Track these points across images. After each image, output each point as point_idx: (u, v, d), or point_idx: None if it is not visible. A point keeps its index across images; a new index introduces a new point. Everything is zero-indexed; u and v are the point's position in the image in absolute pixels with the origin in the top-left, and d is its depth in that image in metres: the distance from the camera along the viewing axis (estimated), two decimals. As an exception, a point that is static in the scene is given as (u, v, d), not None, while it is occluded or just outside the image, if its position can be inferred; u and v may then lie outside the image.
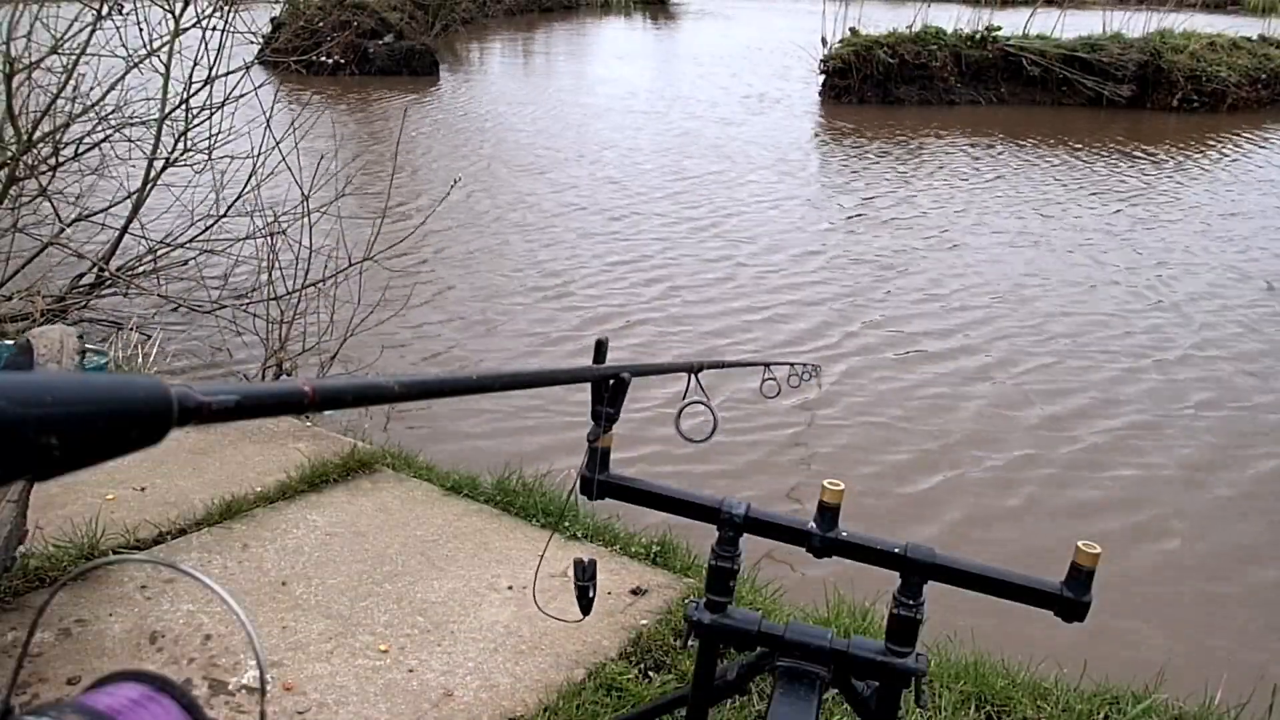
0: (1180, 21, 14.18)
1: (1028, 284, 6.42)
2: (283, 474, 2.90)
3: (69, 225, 4.90)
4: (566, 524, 2.74)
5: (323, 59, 7.83)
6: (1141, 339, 5.58)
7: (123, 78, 4.83)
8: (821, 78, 13.32)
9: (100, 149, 4.99)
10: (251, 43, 5.53)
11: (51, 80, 4.65)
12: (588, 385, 1.05)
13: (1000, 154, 10.32)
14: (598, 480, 1.07)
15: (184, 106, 4.90)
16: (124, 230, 5.02)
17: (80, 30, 4.55)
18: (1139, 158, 10.35)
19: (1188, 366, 5.23)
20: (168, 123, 4.92)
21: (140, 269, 5.09)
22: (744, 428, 4.36)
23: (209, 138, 4.95)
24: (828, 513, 1.03)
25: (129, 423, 0.36)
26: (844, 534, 1.03)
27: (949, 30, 13.43)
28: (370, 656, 2.15)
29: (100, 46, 4.62)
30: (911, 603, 0.99)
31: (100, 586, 2.29)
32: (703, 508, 1.06)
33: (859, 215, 7.93)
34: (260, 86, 5.02)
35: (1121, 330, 5.70)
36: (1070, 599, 0.98)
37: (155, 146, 4.93)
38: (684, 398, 1.23)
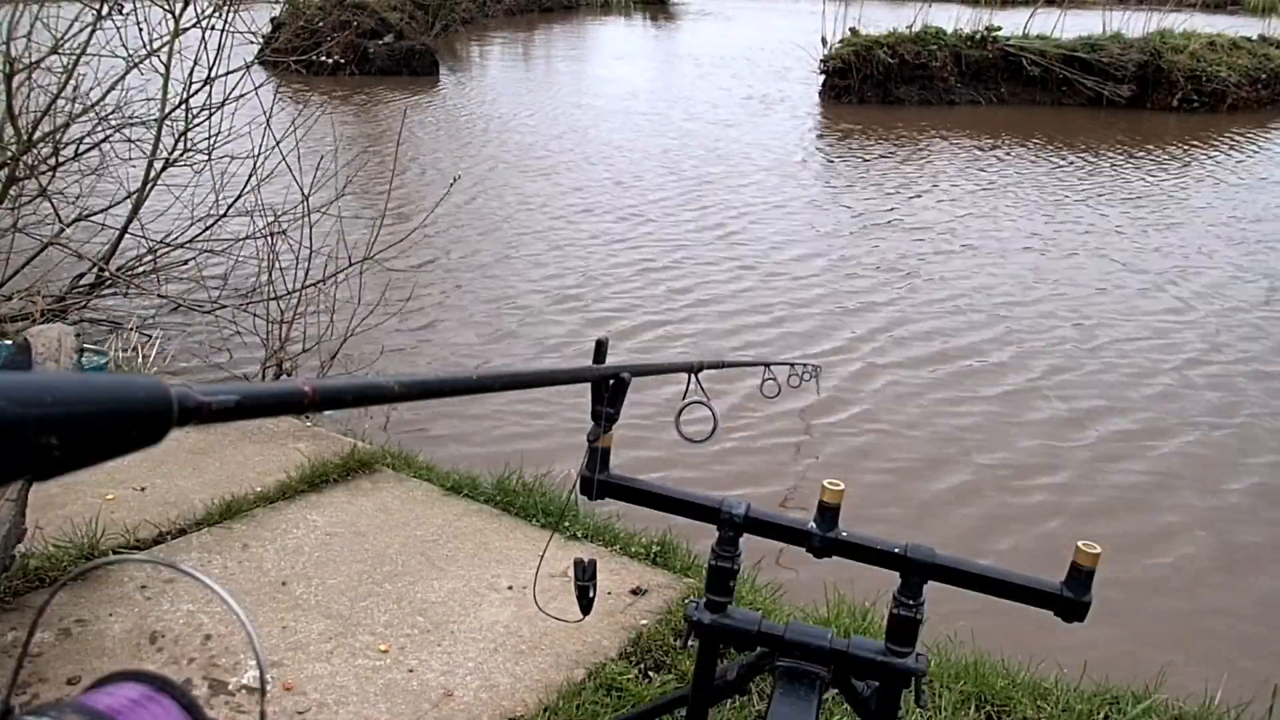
0: (1180, 21, 14.18)
1: (1039, 287, 6.36)
2: (283, 474, 2.91)
3: (69, 225, 4.90)
4: (566, 524, 2.74)
5: (323, 59, 7.84)
6: (1157, 342, 5.51)
7: (123, 78, 4.83)
8: (821, 78, 13.32)
9: (100, 149, 4.99)
10: (251, 43, 5.53)
11: (51, 80, 4.65)
12: (588, 385, 1.05)
13: (1004, 155, 10.30)
14: (598, 480, 1.07)
15: (184, 106, 4.90)
16: (124, 230, 5.02)
17: (80, 30, 4.55)
18: (1144, 158, 10.32)
19: (1199, 369, 5.22)
20: (168, 123, 4.92)
21: (140, 269, 5.09)
22: (747, 427, 4.36)
23: (209, 138, 4.95)
24: (828, 513, 1.03)
25: (129, 423, 0.36)
26: (844, 534, 1.03)
27: (949, 30, 13.43)
28: (370, 656, 2.15)
29: (100, 46, 4.62)
30: (911, 603, 0.99)
31: (100, 586, 2.29)
32: (703, 508, 1.06)
33: (864, 217, 7.92)
34: (260, 86, 5.02)
35: (1138, 334, 5.69)
36: (1070, 599, 0.98)
37: (155, 146, 4.93)
38: (684, 398, 1.23)
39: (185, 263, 5.24)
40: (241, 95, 4.93)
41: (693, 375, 1.30)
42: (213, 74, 4.86)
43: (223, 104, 4.95)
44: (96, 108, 4.80)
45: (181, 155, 4.93)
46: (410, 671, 2.11)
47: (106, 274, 4.89)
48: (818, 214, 7.94)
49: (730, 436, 4.25)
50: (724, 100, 12.97)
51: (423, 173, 8.81)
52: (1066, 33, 13.76)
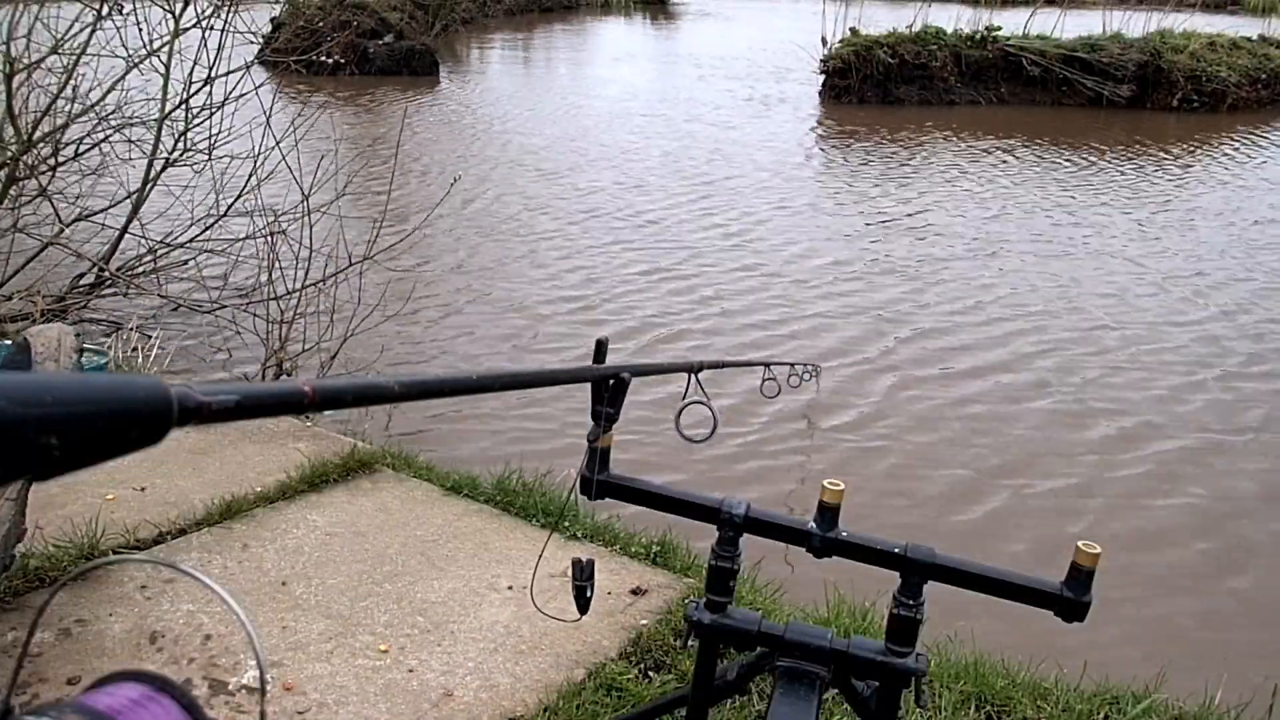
0: (1180, 21, 14.18)
1: (1055, 293, 6.29)
2: (283, 474, 2.91)
3: (69, 225, 4.90)
4: (566, 524, 2.74)
5: (323, 59, 7.83)
6: (1186, 352, 5.46)
7: (123, 78, 4.83)
8: (821, 78, 13.32)
9: (100, 149, 4.99)
10: (251, 43, 5.53)
11: (51, 80, 4.65)
12: (588, 385, 1.05)
13: (1008, 156, 10.26)
14: (597, 480, 1.07)
15: (184, 106, 4.90)
16: (124, 230, 5.02)
17: (80, 30, 4.55)
18: (1149, 159, 10.28)
19: (1206, 371, 5.21)
20: (168, 123, 4.92)
21: (140, 269, 5.09)
22: (747, 427, 4.36)
23: (209, 138, 4.95)
24: (828, 513, 1.03)
25: (129, 423, 0.36)
26: (844, 534, 1.03)
27: (949, 30, 13.43)
28: (370, 656, 2.15)
29: (100, 47, 4.62)
30: (911, 603, 0.99)
31: (100, 586, 2.29)
32: (703, 508, 1.06)
33: (869, 218, 7.92)
34: (260, 86, 5.02)
35: (1141, 334, 5.69)
36: (1070, 599, 0.98)
37: (155, 146, 4.93)
38: (684, 398, 1.23)
39: (185, 263, 5.24)
40: (241, 95, 4.93)
41: (692, 375, 1.30)
42: (213, 74, 4.86)
43: (223, 104, 4.95)
44: (96, 108, 4.80)
45: (181, 155, 4.93)
46: (410, 671, 2.11)
47: (106, 274, 4.89)
48: (823, 216, 7.94)
49: (731, 437, 4.25)
50: (725, 101, 12.96)
51: (425, 173, 8.81)
52: (1066, 33, 13.76)
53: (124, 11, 4.65)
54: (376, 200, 5.89)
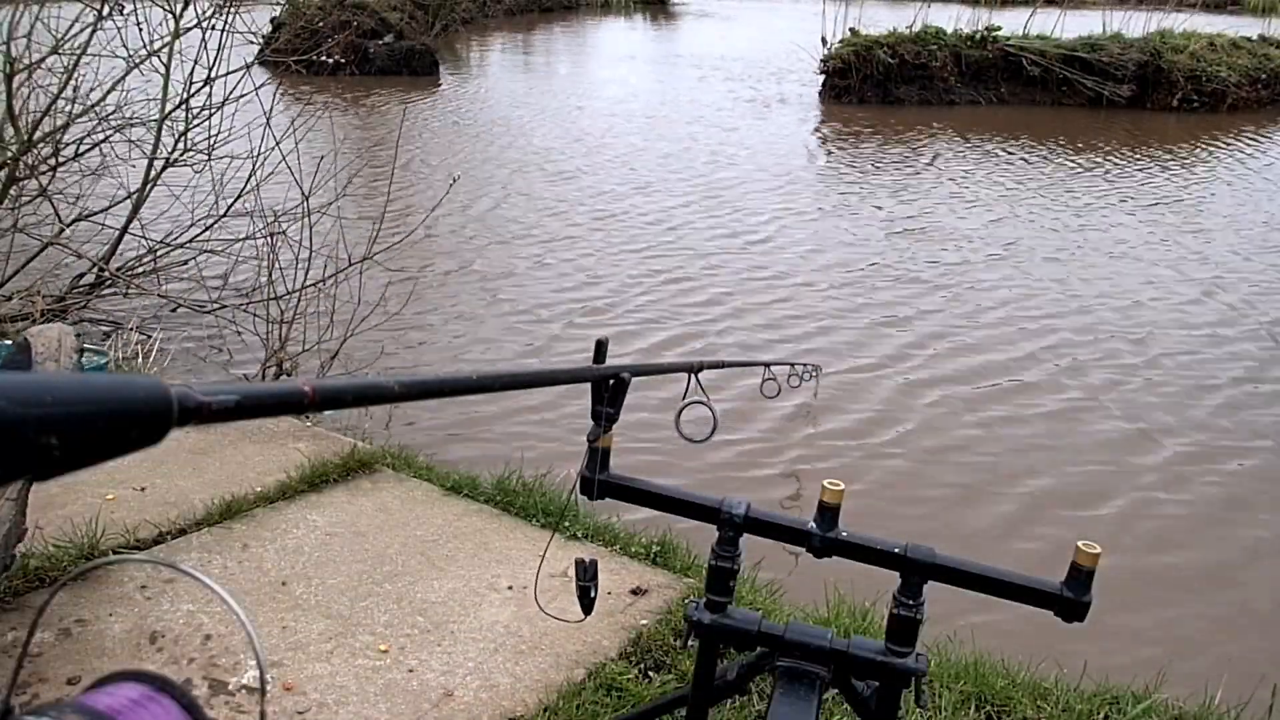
0: (1180, 21, 14.18)
1: (1062, 294, 6.25)
2: (283, 474, 2.91)
3: (69, 225, 4.90)
4: (566, 524, 2.75)
5: (323, 59, 7.83)
6: (1190, 352, 5.42)
7: (123, 78, 4.83)
8: (822, 78, 13.32)
9: (100, 149, 4.98)
10: (251, 43, 5.53)
11: (51, 80, 4.65)
12: (588, 386, 1.05)
13: (1014, 157, 10.20)
14: (598, 480, 1.07)
15: (184, 107, 4.90)
16: (124, 230, 5.02)
17: (80, 31, 4.55)
18: (1153, 160, 10.25)
19: (1201, 370, 5.22)
20: (168, 123, 4.92)
21: (140, 269, 5.08)
22: (748, 427, 4.36)
23: (209, 138, 4.95)
24: (828, 513, 1.03)
25: (129, 423, 0.36)
26: (844, 534, 1.03)
27: (949, 30, 13.43)
28: (370, 656, 2.15)
29: (101, 47, 4.62)
30: (911, 603, 0.99)
31: (100, 586, 2.29)
32: (703, 508, 1.06)
33: (874, 221, 7.92)
34: (260, 87, 5.02)
35: (1139, 330, 5.69)
36: (1070, 599, 0.98)
37: (155, 146, 4.93)
38: (684, 398, 1.23)
39: (185, 263, 5.24)
40: (241, 95, 4.93)
41: (692, 375, 1.30)
42: (213, 74, 4.85)
43: (223, 104, 4.95)
44: (97, 108, 4.80)
45: (181, 155, 4.93)
46: (410, 671, 2.11)
47: (106, 274, 4.89)
48: (829, 218, 7.94)
49: (731, 437, 4.25)
50: (726, 102, 12.96)
51: (425, 174, 8.81)
52: (1066, 33, 13.76)
53: (124, 12, 4.65)
54: (376, 200, 5.89)
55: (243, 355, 4.76)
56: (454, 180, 6.27)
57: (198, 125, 4.95)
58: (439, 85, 13.81)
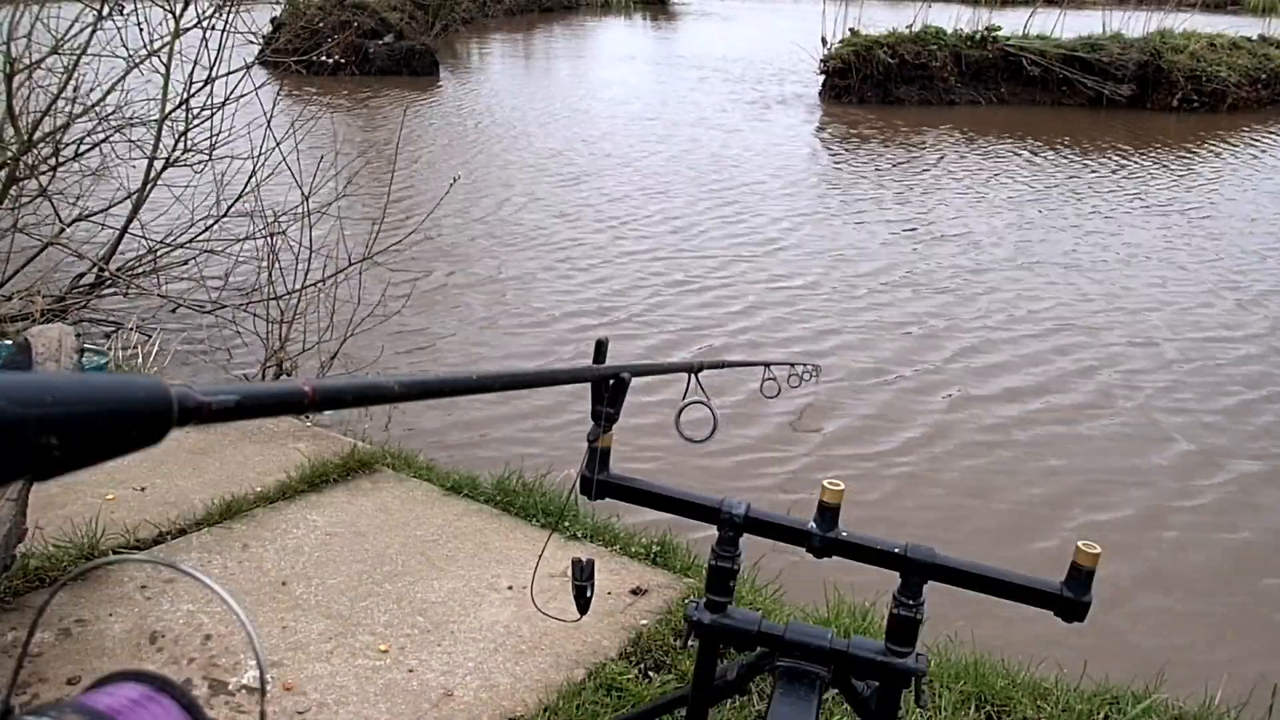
0: (1180, 21, 14.18)
1: (1072, 297, 6.19)
2: (283, 474, 2.91)
3: (69, 225, 4.90)
4: (566, 524, 2.75)
5: (323, 59, 7.82)
6: (1195, 354, 5.40)
7: (123, 78, 4.83)
8: (822, 78, 13.32)
9: (100, 149, 4.98)
10: (252, 43, 5.53)
11: (51, 80, 4.65)
12: (588, 386, 1.05)
13: (1018, 158, 10.15)
14: (598, 480, 1.07)
15: (184, 107, 4.90)
16: (124, 230, 5.02)
17: (81, 31, 4.55)
18: (1156, 161, 10.23)
19: (1199, 371, 5.22)
20: (168, 123, 4.92)
21: (140, 269, 5.08)
22: (748, 428, 4.36)
23: (209, 138, 4.95)
24: (828, 513, 1.03)
25: (129, 423, 0.36)
26: (844, 534, 1.03)
27: (949, 30, 13.43)
28: (370, 656, 2.15)
29: (101, 47, 4.62)
30: (911, 603, 0.99)
31: (100, 586, 2.29)
32: (703, 508, 1.06)
33: (877, 222, 7.91)
34: (260, 87, 5.02)
35: (1137, 325, 5.69)
36: (1070, 599, 0.98)
37: (155, 146, 4.93)
38: (684, 398, 1.23)
39: (185, 263, 5.24)
40: (242, 95, 4.93)
41: (693, 375, 1.30)
42: (213, 74, 4.85)
43: (223, 104, 4.95)
44: (97, 108, 4.80)
45: (182, 155, 4.93)
46: (410, 671, 2.11)
47: (106, 274, 4.89)
48: (831, 219, 7.93)
49: (732, 437, 4.25)
50: (727, 103, 12.95)
51: (426, 174, 8.81)
52: (1066, 33, 13.76)
53: (124, 12, 4.65)
54: (376, 200, 5.89)
55: (243, 355, 4.76)
56: (455, 180, 6.27)
57: (198, 125, 4.95)
58: (439, 85, 13.80)
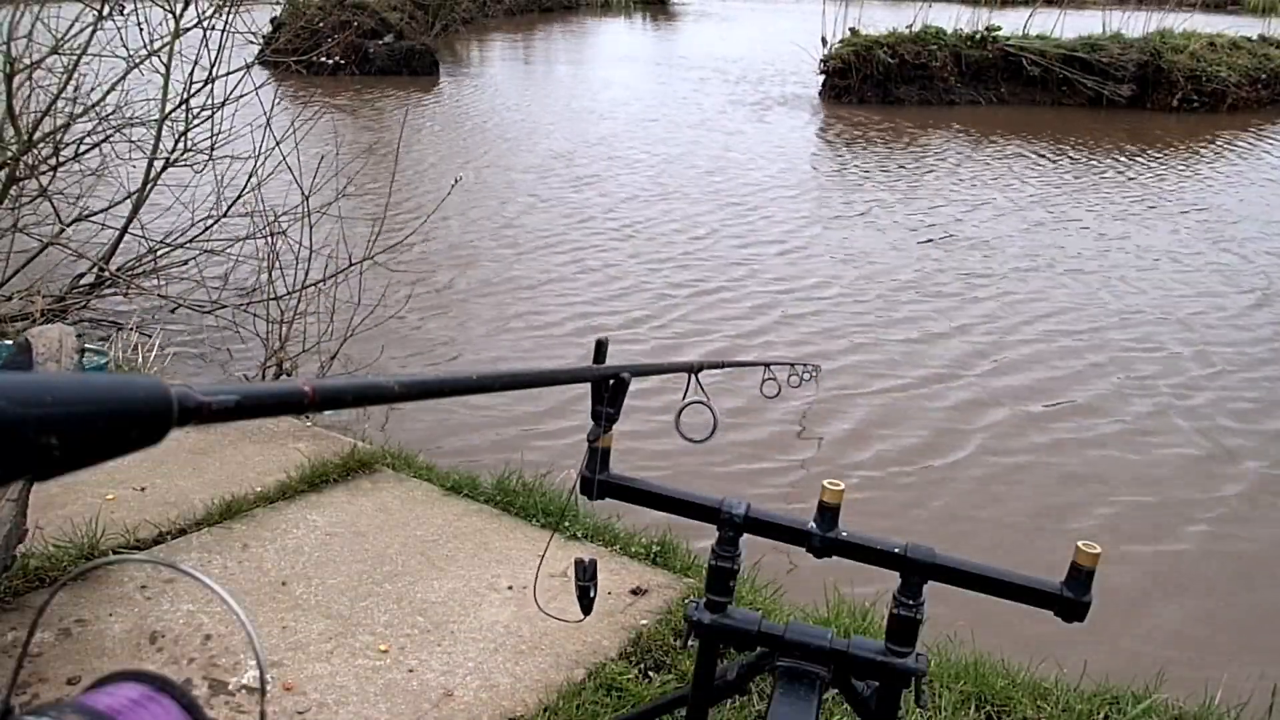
0: (1180, 21, 14.18)
1: (1097, 308, 6.10)
2: (283, 474, 2.91)
3: (69, 225, 4.90)
4: (566, 524, 2.75)
5: (323, 59, 7.82)
6: (1200, 355, 5.41)
7: (123, 78, 4.83)
8: (822, 78, 13.32)
9: (100, 149, 4.99)
10: (252, 43, 5.53)
11: (52, 80, 4.65)
12: (588, 386, 1.05)
13: (1020, 158, 10.13)
14: (598, 480, 1.07)
15: (184, 107, 4.90)
16: (124, 230, 5.02)
17: (81, 31, 4.55)
18: (1159, 161, 10.20)
19: (1195, 371, 5.22)
20: (168, 123, 4.92)
21: (140, 269, 5.08)
22: (748, 428, 4.36)
23: (209, 138, 4.95)
24: (828, 513, 1.03)
25: (129, 423, 0.36)
26: (844, 534, 1.03)
27: (949, 30, 13.43)
28: (370, 656, 2.15)
29: (101, 47, 4.62)
30: (911, 603, 0.99)
31: (100, 586, 2.29)
32: (703, 508, 1.06)
33: (879, 223, 7.91)
34: (260, 87, 5.02)
35: (1136, 326, 5.68)
36: (1070, 599, 0.98)
37: (155, 146, 4.93)
38: (684, 398, 1.23)
39: (185, 263, 5.24)
40: (242, 95, 4.93)
41: (693, 375, 1.30)
42: (213, 74, 4.86)
43: (223, 104, 4.95)
44: (97, 108, 4.80)
45: (181, 155, 4.93)
46: (410, 671, 2.11)
47: (106, 274, 4.89)
48: (833, 220, 7.93)
49: (732, 438, 4.25)
50: (727, 103, 12.94)
51: (426, 174, 8.80)
52: (1066, 33, 13.76)
53: (124, 12, 4.65)
54: (376, 200, 5.89)
55: (243, 355, 4.76)
56: (456, 181, 6.27)
57: (198, 125, 4.95)
58: (439, 85, 13.80)
